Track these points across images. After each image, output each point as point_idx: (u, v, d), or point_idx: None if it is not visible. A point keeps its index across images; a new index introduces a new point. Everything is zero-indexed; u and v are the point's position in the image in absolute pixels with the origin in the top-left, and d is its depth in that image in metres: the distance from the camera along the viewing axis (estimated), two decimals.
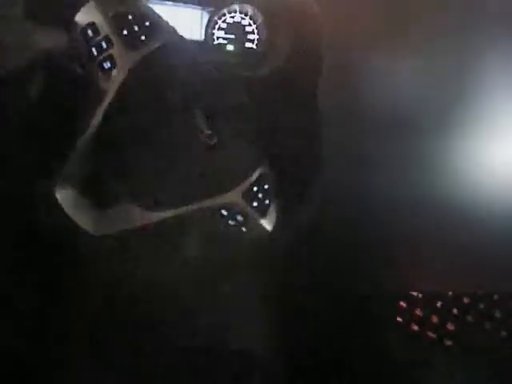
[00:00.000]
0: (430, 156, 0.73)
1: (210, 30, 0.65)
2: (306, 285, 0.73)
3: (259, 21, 0.66)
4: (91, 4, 0.46)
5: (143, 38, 0.47)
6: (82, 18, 0.46)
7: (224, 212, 0.50)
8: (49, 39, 0.46)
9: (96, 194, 0.48)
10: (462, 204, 0.70)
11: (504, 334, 0.82)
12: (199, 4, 0.64)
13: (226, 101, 0.51)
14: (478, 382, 0.76)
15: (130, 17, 0.47)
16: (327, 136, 0.60)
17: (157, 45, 0.47)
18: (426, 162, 0.73)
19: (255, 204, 0.51)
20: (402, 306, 0.80)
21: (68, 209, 0.47)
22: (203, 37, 0.65)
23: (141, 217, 0.49)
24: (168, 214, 0.49)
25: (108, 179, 0.48)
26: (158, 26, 0.48)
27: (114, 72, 0.46)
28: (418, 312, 0.81)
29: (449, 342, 0.80)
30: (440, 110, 0.73)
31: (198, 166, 0.49)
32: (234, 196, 0.50)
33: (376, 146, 0.71)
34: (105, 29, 0.46)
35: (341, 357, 0.77)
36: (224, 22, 0.65)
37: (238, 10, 0.65)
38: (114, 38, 0.46)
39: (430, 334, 0.80)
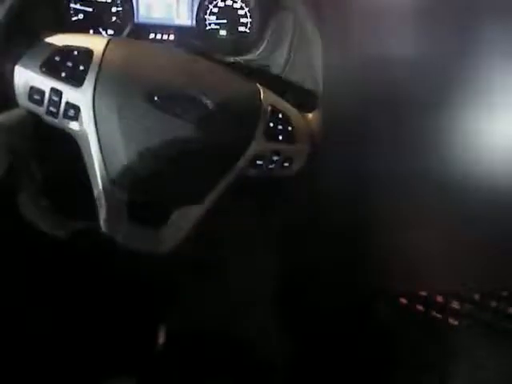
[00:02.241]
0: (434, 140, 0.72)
1: (201, 16, 0.64)
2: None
3: (252, 4, 0.65)
4: (18, 70, 0.45)
5: (82, 67, 0.45)
6: (20, 89, 0.45)
7: (259, 162, 0.50)
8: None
9: (147, 215, 0.49)
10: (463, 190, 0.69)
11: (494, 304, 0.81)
12: None
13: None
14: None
15: (57, 58, 0.45)
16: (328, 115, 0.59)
17: (98, 63, 0.46)
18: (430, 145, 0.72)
19: (281, 137, 0.50)
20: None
21: (129, 240, 0.49)
22: (195, 23, 0.64)
23: (194, 215, 0.49)
24: (214, 195, 0.49)
25: (153, 198, 0.49)
26: (86, 49, 0.46)
27: (82, 112, 0.45)
28: (423, 293, 0.81)
29: (454, 321, 0.80)
30: (441, 87, 0.72)
31: (208, 141, 0.48)
32: (257, 144, 0.49)
33: (376, 125, 0.70)
34: (46, 83, 0.45)
35: (345, 335, 0.78)
36: (215, 6, 0.64)
37: None
38: (59, 86, 0.45)
39: (435, 313, 0.80)
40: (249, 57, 0.65)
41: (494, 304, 0.81)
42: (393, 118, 0.70)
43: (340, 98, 0.65)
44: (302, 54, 0.58)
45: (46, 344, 0.64)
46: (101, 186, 0.47)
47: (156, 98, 0.46)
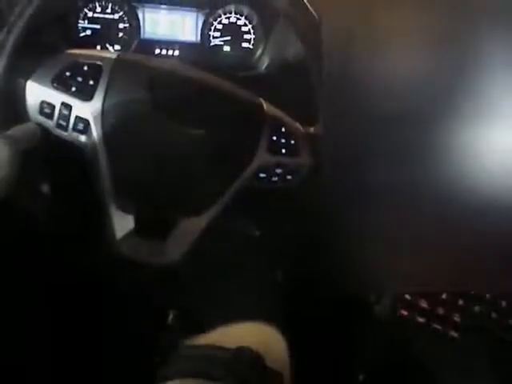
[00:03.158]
0: (432, 147, 0.72)
1: (206, 32, 0.66)
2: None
3: (255, 20, 0.66)
4: (30, 85, 0.46)
5: (91, 82, 0.47)
6: (31, 104, 0.46)
7: (262, 174, 0.51)
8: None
9: (153, 228, 0.50)
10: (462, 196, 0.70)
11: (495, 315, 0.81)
12: (194, 6, 0.64)
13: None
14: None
15: (67, 73, 0.47)
16: (328, 128, 0.60)
17: (107, 77, 0.47)
18: (428, 154, 0.72)
19: (284, 150, 0.51)
20: (406, 298, 0.80)
21: (132, 253, 0.50)
22: (199, 39, 0.65)
23: (199, 226, 0.50)
24: (218, 206, 0.50)
25: (156, 211, 0.50)
26: (95, 64, 0.47)
27: (91, 126, 0.46)
28: (423, 304, 0.81)
29: (454, 334, 0.80)
30: (442, 98, 0.73)
31: (213, 153, 0.49)
32: (260, 157, 0.50)
33: (376, 138, 0.71)
34: (56, 97, 0.46)
35: (348, 347, 0.78)
36: (220, 23, 0.66)
37: (233, 10, 0.66)
38: (69, 101, 0.46)
39: (436, 325, 0.80)
40: (252, 72, 0.66)
41: (494, 315, 0.81)
42: (394, 131, 0.71)
43: (341, 110, 0.66)
44: (306, 67, 0.59)
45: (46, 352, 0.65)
46: (108, 198, 0.48)
47: (164, 112, 0.47)
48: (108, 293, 0.65)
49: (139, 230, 0.49)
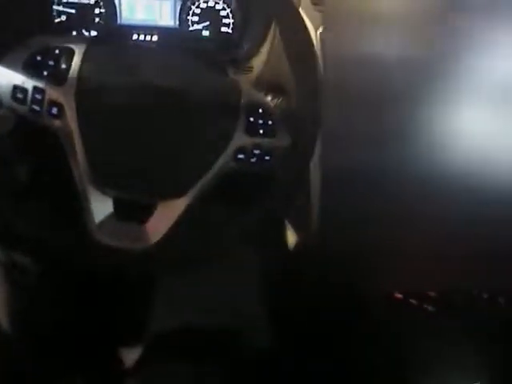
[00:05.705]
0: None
1: (184, 16, 0.65)
2: None
3: (233, 4, 0.65)
4: (1, 70, 0.46)
5: (64, 66, 0.46)
6: (3, 89, 0.46)
7: (240, 156, 0.50)
8: None
9: (132, 212, 0.50)
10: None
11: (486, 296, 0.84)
12: None
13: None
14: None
15: (38, 58, 0.46)
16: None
17: (79, 62, 0.47)
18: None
19: (261, 131, 0.51)
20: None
21: (115, 237, 0.49)
22: (177, 24, 0.65)
23: (178, 208, 0.50)
24: (197, 188, 0.50)
25: (134, 194, 0.50)
26: (67, 48, 0.47)
27: (65, 110, 0.46)
28: None
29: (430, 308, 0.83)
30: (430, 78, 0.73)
31: (190, 136, 0.49)
32: (238, 138, 0.50)
33: (359, 120, 0.71)
34: (28, 82, 0.45)
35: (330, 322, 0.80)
36: (198, 7, 0.65)
37: None
38: (41, 85, 0.46)
39: (412, 300, 0.83)
40: (232, 56, 0.66)
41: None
42: (376, 113, 0.72)
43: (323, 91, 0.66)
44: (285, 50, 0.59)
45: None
46: (85, 184, 0.48)
47: (137, 94, 0.47)
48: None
49: (117, 214, 0.50)
